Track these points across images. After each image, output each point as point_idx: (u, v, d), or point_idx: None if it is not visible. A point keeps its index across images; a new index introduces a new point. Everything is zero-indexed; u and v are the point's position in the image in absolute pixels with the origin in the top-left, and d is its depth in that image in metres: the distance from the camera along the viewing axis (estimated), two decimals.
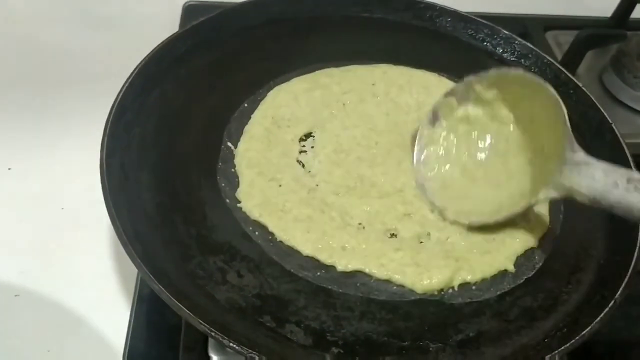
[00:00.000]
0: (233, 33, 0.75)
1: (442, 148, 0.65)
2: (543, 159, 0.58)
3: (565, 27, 1.04)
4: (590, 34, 0.94)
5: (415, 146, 0.66)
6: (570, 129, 0.53)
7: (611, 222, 0.63)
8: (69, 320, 0.65)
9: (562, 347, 0.51)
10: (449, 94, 0.65)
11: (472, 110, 0.64)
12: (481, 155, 0.64)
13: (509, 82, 0.61)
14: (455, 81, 0.75)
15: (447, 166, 0.64)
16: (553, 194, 0.54)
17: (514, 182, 0.60)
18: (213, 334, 0.48)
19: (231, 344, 0.48)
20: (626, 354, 0.67)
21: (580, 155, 0.52)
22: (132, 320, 0.64)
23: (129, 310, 0.65)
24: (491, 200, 0.61)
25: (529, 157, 0.60)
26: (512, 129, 0.62)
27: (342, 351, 0.52)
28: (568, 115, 0.72)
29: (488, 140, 0.63)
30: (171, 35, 0.71)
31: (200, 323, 0.48)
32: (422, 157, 0.65)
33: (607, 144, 0.69)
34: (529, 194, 0.58)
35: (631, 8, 1.02)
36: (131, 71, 0.65)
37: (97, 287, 0.68)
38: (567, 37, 0.99)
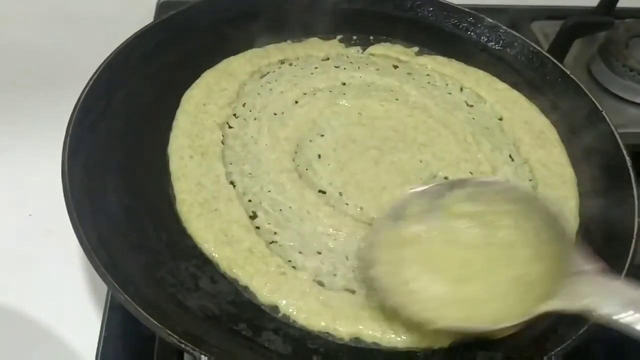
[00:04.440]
0: (204, 27, 0.72)
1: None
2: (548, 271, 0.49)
3: (552, 17, 1.03)
4: (577, 22, 0.92)
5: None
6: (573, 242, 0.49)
7: (605, 215, 0.60)
8: (36, 331, 0.62)
9: (558, 348, 0.48)
10: (418, 194, 0.55)
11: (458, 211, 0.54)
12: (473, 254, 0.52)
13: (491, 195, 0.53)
14: None
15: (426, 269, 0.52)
16: (561, 305, 0.45)
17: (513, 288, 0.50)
18: (183, 345, 0.45)
19: (203, 356, 0.45)
20: (623, 353, 0.64)
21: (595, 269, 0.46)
22: (103, 331, 0.61)
23: (100, 320, 0.62)
24: (490, 306, 0.49)
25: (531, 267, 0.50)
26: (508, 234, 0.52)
27: None
28: (556, 103, 0.70)
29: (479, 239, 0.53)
30: (139, 31, 0.68)
31: (169, 334, 0.45)
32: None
33: (598, 133, 0.66)
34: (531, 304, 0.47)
35: None
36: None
37: (66, 297, 0.65)
38: (553, 28, 0.98)
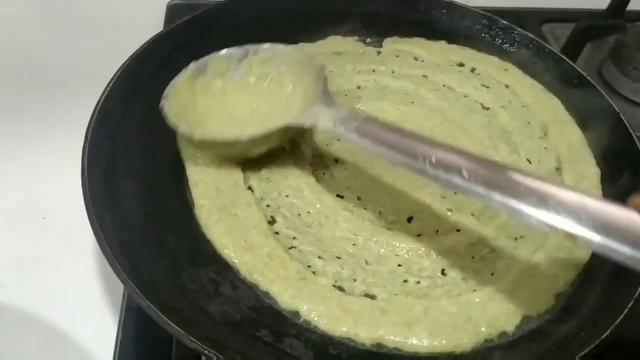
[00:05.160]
0: (219, 31, 0.72)
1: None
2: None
3: (562, 19, 1.03)
4: (589, 25, 0.92)
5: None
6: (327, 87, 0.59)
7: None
8: (51, 336, 0.62)
9: (583, 352, 0.47)
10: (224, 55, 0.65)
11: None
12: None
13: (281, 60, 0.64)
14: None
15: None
16: (303, 121, 0.57)
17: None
18: (206, 351, 0.45)
19: None
20: None
21: (329, 100, 0.57)
22: (120, 335, 0.61)
23: (116, 324, 0.62)
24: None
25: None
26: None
27: None
28: (572, 105, 0.70)
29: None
30: (155, 36, 0.68)
31: (192, 340, 0.45)
32: None
33: (616, 135, 0.65)
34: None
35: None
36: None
37: (81, 301, 0.65)
38: (563, 30, 0.98)
